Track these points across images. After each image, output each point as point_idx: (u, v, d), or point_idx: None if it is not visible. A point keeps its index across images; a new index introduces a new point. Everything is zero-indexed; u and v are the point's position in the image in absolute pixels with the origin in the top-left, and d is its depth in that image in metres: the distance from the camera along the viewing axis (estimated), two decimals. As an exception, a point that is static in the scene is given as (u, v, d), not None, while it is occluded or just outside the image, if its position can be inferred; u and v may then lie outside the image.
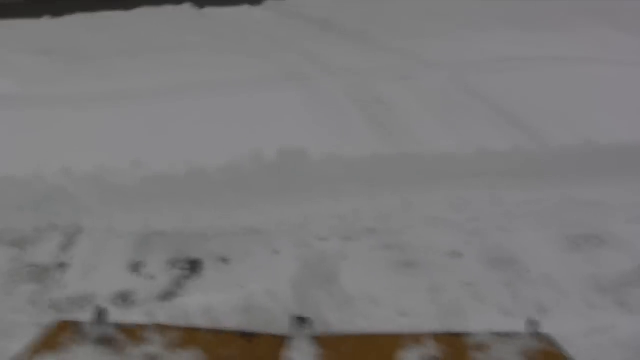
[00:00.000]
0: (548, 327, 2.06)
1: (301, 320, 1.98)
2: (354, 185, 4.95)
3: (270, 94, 6.86)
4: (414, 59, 8.15)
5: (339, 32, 9.80)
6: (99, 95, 6.99)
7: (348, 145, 5.34)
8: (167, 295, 3.95)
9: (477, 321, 3.40)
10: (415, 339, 1.88)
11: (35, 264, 4.32)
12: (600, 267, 4.12)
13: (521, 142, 5.45)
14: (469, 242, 4.47)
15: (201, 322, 3.53)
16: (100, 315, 1.95)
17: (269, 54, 8.63)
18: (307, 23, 10.33)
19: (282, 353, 1.86)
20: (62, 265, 4.27)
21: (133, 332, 1.93)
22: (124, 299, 3.92)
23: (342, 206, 4.81)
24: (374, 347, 1.90)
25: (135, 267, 4.24)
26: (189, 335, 1.94)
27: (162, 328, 1.96)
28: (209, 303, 3.71)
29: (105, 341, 1.88)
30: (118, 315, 3.06)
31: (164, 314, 3.69)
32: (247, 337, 1.97)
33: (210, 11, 11.01)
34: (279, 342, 1.91)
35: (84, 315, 2.52)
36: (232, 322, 3.50)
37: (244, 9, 11.22)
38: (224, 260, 4.28)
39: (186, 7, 11.18)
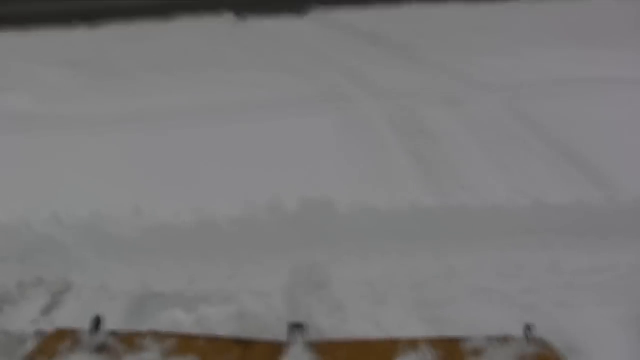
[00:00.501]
0: None
1: (296, 327, 1.95)
2: (388, 243, 4.17)
3: (302, 119, 6.13)
4: (462, 79, 7.32)
5: (385, 46, 9.00)
6: (117, 117, 6.41)
7: (383, 192, 4.55)
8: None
9: None
10: (412, 344, 1.84)
11: (9, 333, 3.62)
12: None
13: (585, 191, 4.59)
14: (521, 320, 3.61)
15: None
16: (97, 323, 1.92)
17: (308, 71, 7.89)
18: (353, 36, 9.53)
19: None
20: (39, 334, 3.55)
21: (130, 340, 1.89)
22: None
23: (372, 269, 4.03)
24: (370, 353, 1.86)
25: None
26: (186, 343, 1.90)
27: (158, 336, 1.92)
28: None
29: (102, 349, 1.85)
30: None
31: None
32: (243, 344, 1.92)
33: (251, 22, 10.26)
34: (275, 349, 1.87)
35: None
36: None
37: (287, 19, 10.45)
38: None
39: (226, 17, 10.45)
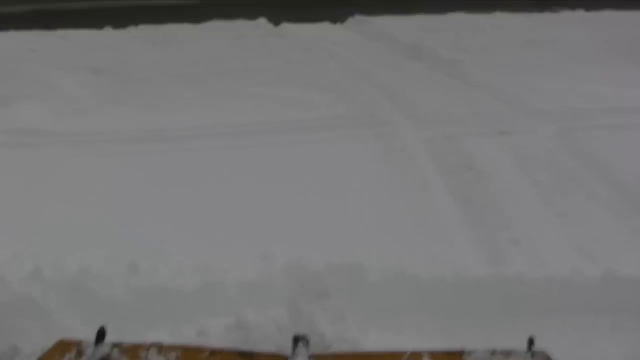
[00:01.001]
0: None
1: (299, 339, 1.89)
2: (424, 318, 3.44)
3: (333, 147, 5.46)
4: (512, 103, 6.56)
5: (428, 60, 8.25)
6: (133, 136, 5.86)
7: (422, 253, 3.82)
8: None
9: None
10: (414, 357, 1.81)
11: None
12: None
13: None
14: None
15: None
16: (101, 334, 1.89)
17: (344, 87, 7.18)
18: (392, 47, 8.80)
19: None
20: None
21: (132, 352, 1.87)
22: None
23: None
24: None
25: None
26: (189, 355, 1.86)
27: (161, 348, 1.87)
28: None
29: None
30: None
31: None
32: (247, 356, 1.88)
33: (286, 29, 9.55)
34: None
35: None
36: None
37: (324, 27, 9.75)
38: None
39: (260, 23, 9.76)
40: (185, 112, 6.42)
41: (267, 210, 4.40)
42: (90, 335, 2.85)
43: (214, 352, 1.94)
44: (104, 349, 1.92)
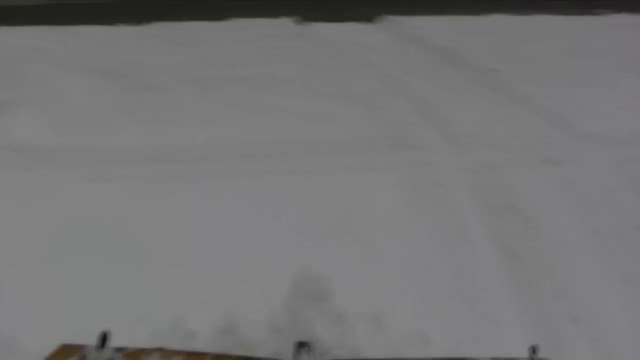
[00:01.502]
0: None
1: (302, 345, 1.86)
2: None
3: (357, 179, 4.75)
4: (561, 125, 5.78)
5: (465, 68, 7.44)
6: (135, 156, 5.22)
7: (458, 333, 3.07)
8: None
9: None
10: None
11: None
12: None
13: None
14: None
15: None
16: (103, 339, 1.83)
17: (372, 99, 6.42)
18: (427, 53, 7.98)
19: None
20: None
21: (136, 357, 1.83)
22: None
23: None
24: None
25: None
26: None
27: (165, 352, 1.85)
28: None
29: None
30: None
31: None
32: None
33: (312, 29, 8.75)
34: None
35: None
36: None
37: (353, 27, 8.93)
38: None
39: (284, 22, 8.97)
40: (197, 126, 5.73)
41: (279, 258, 3.69)
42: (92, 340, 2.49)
43: (217, 357, 1.89)
44: (107, 353, 1.83)
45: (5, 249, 3.79)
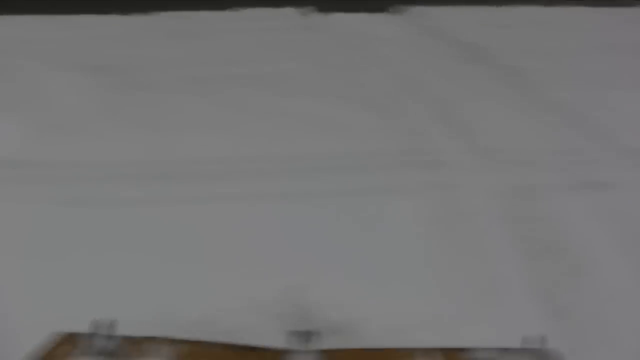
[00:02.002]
0: None
1: (304, 334, 1.86)
2: None
3: (365, 206, 3.96)
4: (600, 138, 5.00)
5: (490, 66, 6.65)
6: (117, 172, 4.45)
7: None
8: None
9: None
10: (418, 353, 1.75)
11: None
12: None
13: None
14: None
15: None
16: (109, 327, 1.82)
17: (387, 102, 5.68)
18: (448, 49, 7.17)
19: None
20: None
21: (138, 345, 1.79)
22: None
23: None
24: None
25: None
26: (196, 349, 1.80)
27: (168, 341, 1.81)
28: None
29: (109, 353, 1.75)
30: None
31: None
32: (255, 351, 1.82)
33: (322, 20, 7.95)
34: (287, 356, 1.78)
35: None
36: None
37: (368, 18, 8.12)
38: None
39: (293, 12, 8.16)
40: (192, 134, 5.02)
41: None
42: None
43: (221, 346, 1.82)
44: (114, 341, 1.76)
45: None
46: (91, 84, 6.01)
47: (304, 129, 5.10)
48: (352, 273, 3.38)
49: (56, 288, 3.28)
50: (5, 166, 4.48)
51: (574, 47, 7.15)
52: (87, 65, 6.40)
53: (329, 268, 3.41)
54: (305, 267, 3.42)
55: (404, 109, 5.54)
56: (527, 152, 4.77)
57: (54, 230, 3.78)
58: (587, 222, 3.83)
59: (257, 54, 6.75)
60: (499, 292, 3.26)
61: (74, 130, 5.08)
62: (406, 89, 6.01)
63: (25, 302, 3.19)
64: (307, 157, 4.62)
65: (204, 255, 3.55)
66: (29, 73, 6.04)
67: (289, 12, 8.07)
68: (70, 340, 1.84)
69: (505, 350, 1.75)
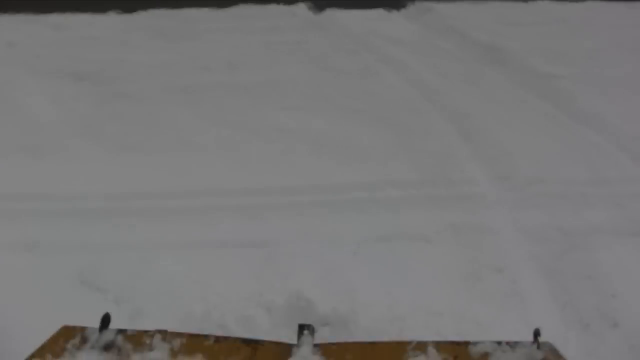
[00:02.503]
0: None
1: (305, 328, 1.75)
2: None
3: (376, 261, 3.23)
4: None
5: (513, 71, 5.97)
6: (84, 208, 3.75)
7: None
8: None
9: None
10: (419, 347, 1.69)
11: None
12: None
13: None
14: None
15: None
16: (105, 321, 1.75)
17: (399, 114, 5.01)
18: (467, 50, 6.43)
19: None
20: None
21: (137, 339, 1.73)
22: None
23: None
24: (378, 356, 1.70)
25: None
26: (194, 343, 1.74)
27: (167, 335, 1.74)
28: None
29: (109, 347, 1.69)
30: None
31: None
32: (252, 345, 1.75)
33: (330, 18, 7.14)
34: (283, 350, 1.71)
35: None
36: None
37: (378, 15, 7.32)
38: None
39: (299, 10, 7.33)
40: (177, 157, 4.32)
41: None
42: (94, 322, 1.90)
43: (218, 340, 1.73)
44: (109, 335, 1.70)
45: None
46: (71, 93, 5.37)
47: (300, 151, 4.40)
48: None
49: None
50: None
51: (600, 48, 6.37)
52: (72, 71, 5.74)
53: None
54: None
55: (419, 123, 4.83)
56: (564, 181, 4.04)
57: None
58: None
59: (258, 57, 6.01)
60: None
61: (41, 151, 4.41)
62: (422, 99, 5.28)
63: None
64: (300, 189, 3.89)
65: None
66: (10, 82, 5.37)
67: (298, 8, 7.24)
68: (68, 334, 1.76)
69: (499, 343, 1.65)
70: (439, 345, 1.70)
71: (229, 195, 3.83)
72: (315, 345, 1.72)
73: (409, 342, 1.71)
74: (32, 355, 1.68)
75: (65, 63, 5.86)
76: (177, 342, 1.73)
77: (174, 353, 1.70)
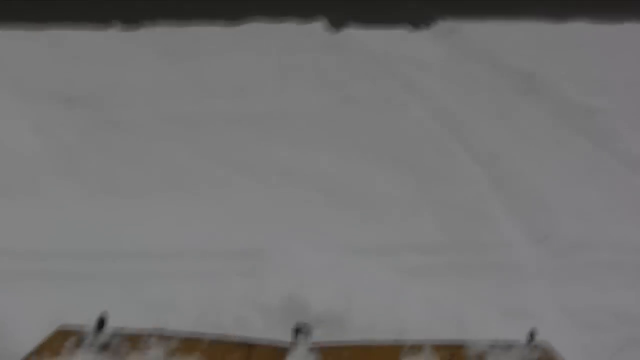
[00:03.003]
0: None
1: (301, 329, 1.76)
2: None
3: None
4: None
5: (550, 103, 5.21)
6: (58, 268, 3.20)
7: None
8: None
9: None
10: (416, 348, 1.69)
11: None
12: None
13: None
14: None
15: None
16: (101, 322, 1.76)
17: (425, 156, 4.32)
18: (498, 78, 5.74)
19: None
20: None
21: (134, 339, 1.74)
22: None
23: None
24: (374, 356, 1.71)
25: None
26: (190, 343, 1.75)
27: (163, 336, 1.76)
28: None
29: (106, 348, 1.69)
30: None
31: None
32: (248, 346, 1.76)
33: (350, 37, 6.45)
34: (279, 351, 1.72)
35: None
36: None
37: (402, 35, 6.60)
38: None
39: (316, 28, 6.62)
40: (160, 204, 3.79)
41: None
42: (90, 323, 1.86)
43: (214, 341, 1.75)
44: (105, 336, 1.71)
45: None
46: (58, 120, 4.80)
47: (307, 203, 3.75)
48: None
49: None
50: None
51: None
52: (60, 94, 5.16)
53: None
54: None
55: (450, 169, 4.17)
56: (613, 246, 3.39)
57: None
58: None
59: (270, 83, 5.39)
60: None
61: (12, 193, 3.80)
62: (452, 137, 4.62)
63: None
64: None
65: None
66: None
67: (314, 27, 6.57)
68: (65, 335, 1.73)
69: (495, 343, 1.62)
70: (436, 347, 1.66)
71: (213, 257, 3.22)
72: (312, 345, 1.68)
73: (406, 343, 1.67)
74: (29, 356, 1.65)
75: (55, 84, 5.27)
76: (173, 343, 1.71)
77: (170, 353, 1.67)
